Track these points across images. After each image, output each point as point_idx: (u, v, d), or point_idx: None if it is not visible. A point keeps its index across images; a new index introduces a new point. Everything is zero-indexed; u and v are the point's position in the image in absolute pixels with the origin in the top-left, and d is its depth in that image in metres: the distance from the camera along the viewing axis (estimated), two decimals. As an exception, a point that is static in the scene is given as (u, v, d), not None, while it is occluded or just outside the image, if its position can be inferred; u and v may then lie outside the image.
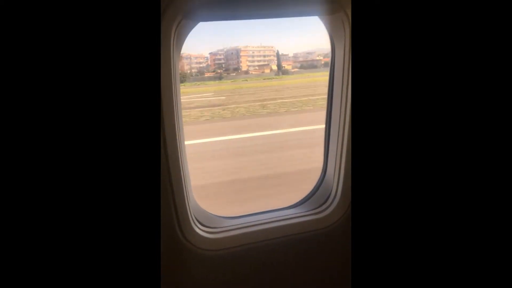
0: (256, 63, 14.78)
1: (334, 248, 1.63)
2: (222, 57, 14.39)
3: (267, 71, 14.86)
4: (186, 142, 1.44)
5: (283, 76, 15.32)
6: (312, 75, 14.56)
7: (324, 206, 1.68)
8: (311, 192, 1.79)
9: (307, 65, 15.38)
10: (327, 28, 1.51)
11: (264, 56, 14.75)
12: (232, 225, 1.53)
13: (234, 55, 14.42)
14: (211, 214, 1.58)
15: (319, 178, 1.80)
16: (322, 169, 1.79)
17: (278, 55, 15.10)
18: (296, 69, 15.45)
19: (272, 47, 14.71)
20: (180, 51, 1.34)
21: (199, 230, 1.44)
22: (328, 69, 1.64)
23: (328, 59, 1.63)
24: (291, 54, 15.78)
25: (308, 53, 15.14)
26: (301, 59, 15.48)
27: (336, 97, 1.60)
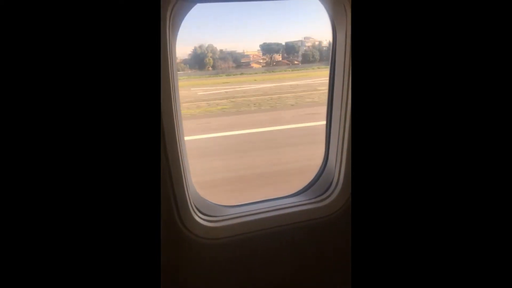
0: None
1: (335, 236, 1.62)
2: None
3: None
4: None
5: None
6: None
7: (325, 195, 1.67)
8: (312, 180, 1.78)
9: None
10: (328, 13, 1.48)
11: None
12: (233, 214, 1.53)
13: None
14: (211, 202, 1.57)
15: (321, 166, 1.79)
16: (324, 157, 1.78)
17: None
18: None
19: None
20: (176, 35, 1.30)
21: (198, 218, 1.43)
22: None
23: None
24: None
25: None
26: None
27: (337, 85, 1.58)
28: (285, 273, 1.60)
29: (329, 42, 1.64)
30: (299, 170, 5.34)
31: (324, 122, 1.75)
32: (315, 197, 1.67)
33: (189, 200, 1.41)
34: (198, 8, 1.29)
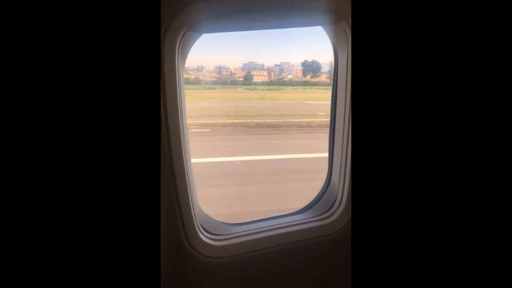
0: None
1: (339, 254, 1.63)
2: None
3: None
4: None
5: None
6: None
7: (329, 212, 1.69)
8: (316, 198, 1.80)
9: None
10: (330, 37, 1.53)
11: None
12: (237, 232, 1.55)
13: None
14: (216, 221, 1.60)
15: (324, 184, 1.81)
16: (327, 175, 1.80)
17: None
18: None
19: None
20: (184, 62, 1.36)
21: (204, 237, 1.46)
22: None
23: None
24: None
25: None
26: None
27: (339, 105, 1.61)
28: None
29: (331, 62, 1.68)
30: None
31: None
32: (319, 215, 1.69)
33: (195, 218, 1.44)
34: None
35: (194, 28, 1.25)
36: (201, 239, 1.44)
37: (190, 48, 1.32)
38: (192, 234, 1.40)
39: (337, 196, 1.70)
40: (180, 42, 1.23)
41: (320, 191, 1.80)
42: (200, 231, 1.46)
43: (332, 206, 1.71)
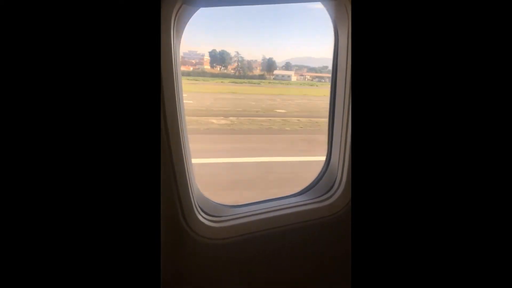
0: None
1: (339, 235, 1.63)
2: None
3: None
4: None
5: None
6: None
7: (328, 194, 1.68)
8: (315, 180, 1.79)
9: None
10: (330, 13, 1.48)
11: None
12: (237, 214, 1.54)
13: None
14: (215, 202, 1.59)
15: (323, 166, 1.79)
16: (326, 157, 1.78)
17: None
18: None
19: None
20: (180, 38, 1.32)
21: (202, 219, 1.45)
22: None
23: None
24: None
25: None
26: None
27: (340, 84, 1.58)
28: (289, 272, 1.61)
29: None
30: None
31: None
32: (318, 197, 1.68)
33: (193, 200, 1.43)
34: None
35: (190, 2, 1.21)
36: (199, 221, 1.43)
37: (186, 23, 1.28)
38: (191, 216, 1.39)
39: (336, 177, 1.68)
40: (176, 15, 1.19)
41: (320, 173, 1.78)
42: (199, 213, 1.45)
43: (332, 187, 1.70)
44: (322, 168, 1.78)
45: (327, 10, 1.47)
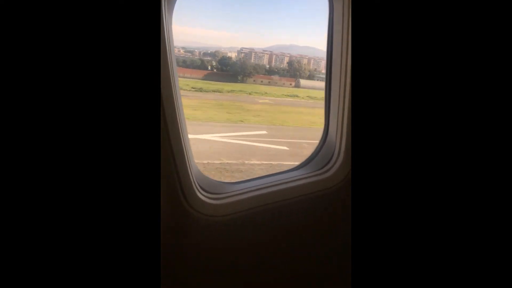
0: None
1: (338, 208, 1.64)
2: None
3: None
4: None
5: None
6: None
7: (327, 167, 1.68)
8: (313, 153, 1.79)
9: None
10: None
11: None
12: (236, 191, 1.54)
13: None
14: (214, 180, 1.59)
15: (321, 138, 1.79)
16: (324, 129, 1.77)
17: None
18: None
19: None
20: (171, 15, 1.28)
21: (202, 196, 1.46)
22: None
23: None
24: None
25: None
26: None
27: (336, 56, 1.55)
28: (290, 247, 1.64)
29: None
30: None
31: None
32: (317, 170, 1.68)
33: (193, 179, 1.43)
34: None
35: None
36: (199, 198, 1.43)
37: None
38: (190, 193, 1.40)
39: (334, 149, 1.68)
40: None
41: (318, 146, 1.78)
42: (198, 190, 1.46)
43: (330, 159, 1.70)
44: (320, 141, 1.78)
45: None
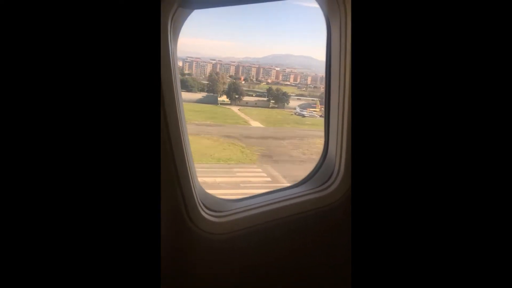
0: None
1: (338, 224, 1.67)
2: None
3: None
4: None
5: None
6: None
7: (327, 184, 1.71)
8: (313, 170, 1.82)
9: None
10: (322, 7, 1.49)
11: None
12: (238, 208, 1.57)
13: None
14: (217, 198, 1.62)
15: (321, 155, 1.82)
16: (324, 146, 1.81)
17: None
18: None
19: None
20: (177, 39, 1.34)
21: (206, 214, 1.48)
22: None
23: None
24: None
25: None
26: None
27: (334, 74, 1.59)
28: (292, 263, 1.65)
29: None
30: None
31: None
32: (318, 187, 1.71)
33: (196, 197, 1.45)
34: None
35: (185, 4, 1.22)
36: (202, 216, 1.46)
37: (181, 26, 1.30)
38: (194, 211, 1.42)
39: (334, 166, 1.71)
40: (172, 19, 1.21)
41: (318, 163, 1.81)
42: (201, 208, 1.49)
43: (331, 176, 1.73)
44: (320, 159, 1.81)
45: (319, 4, 1.48)
